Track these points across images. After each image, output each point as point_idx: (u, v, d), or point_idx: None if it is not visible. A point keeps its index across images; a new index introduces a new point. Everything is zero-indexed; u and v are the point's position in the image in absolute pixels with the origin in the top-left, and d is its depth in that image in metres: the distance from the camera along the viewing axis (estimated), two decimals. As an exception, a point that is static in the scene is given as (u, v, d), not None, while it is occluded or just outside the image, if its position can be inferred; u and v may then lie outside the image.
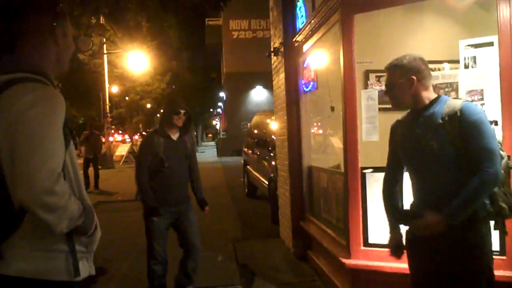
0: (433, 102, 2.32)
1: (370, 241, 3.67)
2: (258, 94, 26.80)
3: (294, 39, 5.44)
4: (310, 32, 4.82)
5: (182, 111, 3.98)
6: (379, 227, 3.64)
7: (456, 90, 3.41)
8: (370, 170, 3.68)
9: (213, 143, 57.91)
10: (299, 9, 5.39)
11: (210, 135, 77.82)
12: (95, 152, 12.99)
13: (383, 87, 3.81)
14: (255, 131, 10.72)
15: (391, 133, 2.60)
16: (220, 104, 45.34)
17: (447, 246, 2.21)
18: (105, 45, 20.87)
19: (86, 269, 1.81)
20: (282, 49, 5.76)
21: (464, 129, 2.14)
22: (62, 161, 1.61)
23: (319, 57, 5.01)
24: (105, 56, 20.98)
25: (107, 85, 20.96)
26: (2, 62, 1.71)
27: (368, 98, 3.66)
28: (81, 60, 24.12)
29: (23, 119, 1.53)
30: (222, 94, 31.46)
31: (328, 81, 4.79)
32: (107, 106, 21.06)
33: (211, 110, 53.24)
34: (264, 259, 5.59)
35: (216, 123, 64.17)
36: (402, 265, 3.41)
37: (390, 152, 2.61)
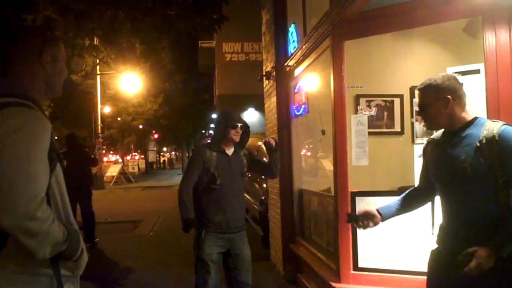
0: (470, 123, 2.27)
1: (360, 265, 3.67)
2: (250, 116, 26.85)
3: (285, 64, 5.52)
4: (301, 57, 4.90)
5: (239, 125, 3.58)
6: (369, 252, 3.66)
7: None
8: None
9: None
10: (291, 34, 5.48)
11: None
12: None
13: (373, 112, 3.92)
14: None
15: (423, 153, 2.56)
16: (212, 125, 45.41)
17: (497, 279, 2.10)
18: (98, 66, 20.94)
19: None
20: (274, 73, 5.84)
21: (503, 154, 2.09)
22: (45, 186, 1.60)
23: (310, 81, 5.08)
24: (98, 77, 21.03)
25: (99, 106, 20.93)
26: None
27: (358, 123, 3.72)
28: (74, 81, 24.17)
29: (7, 142, 1.53)
30: (214, 116, 31.54)
31: (319, 105, 4.85)
32: (99, 127, 20.99)
33: (203, 131, 53.24)
34: (254, 282, 5.53)
35: (208, 144, 63.98)
36: (391, 290, 3.46)
37: (422, 170, 2.59)
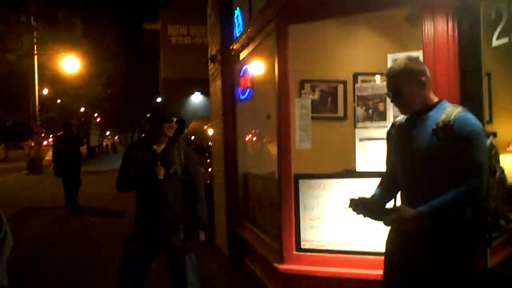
0: (434, 105, 2.32)
1: (303, 246, 3.76)
2: (196, 100, 26.60)
3: (231, 47, 5.48)
4: (246, 41, 4.89)
5: (175, 119, 3.45)
6: (311, 233, 3.75)
7: (384, 101, 3.60)
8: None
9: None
10: (236, 18, 5.45)
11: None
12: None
13: (316, 96, 3.99)
14: (192, 138, 10.65)
15: (386, 136, 2.59)
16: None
17: (420, 247, 2.23)
18: (35, 46, 19.93)
19: None
20: (218, 57, 5.79)
21: (456, 139, 2.14)
22: None
23: (255, 66, 5.09)
24: (36, 57, 20.01)
25: (36, 87, 19.97)
26: None
27: (302, 107, 3.77)
28: (9, 61, 22.90)
29: None
30: (159, 99, 30.93)
31: (264, 90, 4.88)
32: (37, 109, 20.06)
33: (148, 115, 52.22)
34: (199, 268, 5.53)
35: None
36: (334, 269, 3.58)
37: (387, 155, 2.61)
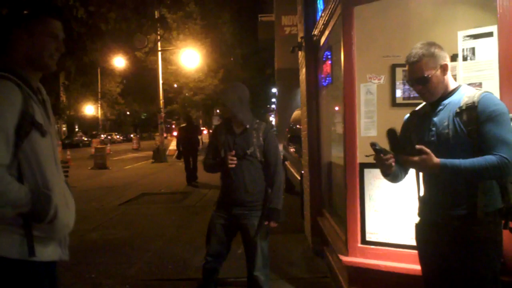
0: (454, 91, 2.28)
1: (368, 238, 3.59)
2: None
3: (312, 33, 5.38)
4: (322, 26, 4.76)
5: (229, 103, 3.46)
6: (378, 225, 3.56)
7: (455, 83, 3.26)
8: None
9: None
10: (318, 3, 5.32)
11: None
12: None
13: (382, 81, 3.74)
14: (294, 127, 10.69)
15: (405, 125, 2.52)
16: (274, 100, 45.41)
17: (452, 238, 2.19)
18: (159, 43, 21.50)
19: (54, 253, 1.94)
20: (303, 44, 5.72)
21: (481, 120, 2.08)
22: (3, 152, 1.73)
23: (332, 51, 4.93)
24: (159, 53, 21.59)
25: (160, 81, 21.55)
26: None
27: (367, 92, 3.58)
28: (138, 58, 25.07)
29: None
30: (274, 90, 31.46)
31: (340, 75, 4.71)
32: (161, 102, 21.67)
33: (268, 106, 53.44)
34: (283, 254, 5.60)
35: (272, 119, 64.41)
36: (397, 264, 3.38)
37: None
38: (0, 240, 1.79)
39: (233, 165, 3.40)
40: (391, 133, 2.32)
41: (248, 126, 3.46)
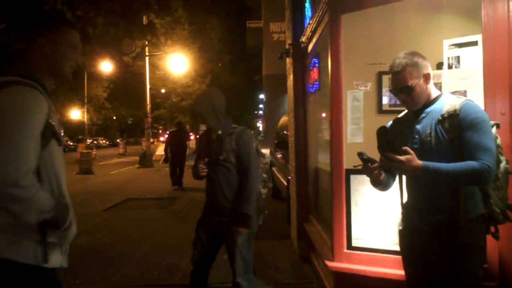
0: (436, 99, 2.32)
1: (354, 244, 3.61)
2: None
3: (300, 40, 5.42)
4: (310, 33, 4.80)
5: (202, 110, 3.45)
6: (364, 231, 3.58)
7: (440, 90, 3.30)
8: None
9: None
10: (307, 10, 5.36)
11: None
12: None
13: (368, 88, 3.77)
14: (281, 133, 10.72)
15: (388, 131, 2.44)
16: (261, 106, 45.50)
17: (435, 243, 2.21)
18: (147, 48, 21.43)
19: (58, 259, 1.95)
20: (291, 50, 5.76)
21: (463, 127, 2.12)
22: (33, 158, 1.75)
23: (319, 58, 4.97)
24: (147, 58, 21.53)
25: (147, 86, 21.47)
26: (11, 66, 1.93)
27: (354, 99, 3.61)
28: (125, 62, 24.95)
29: (1, 117, 1.71)
30: (262, 96, 31.54)
31: (328, 82, 4.74)
32: (148, 107, 21.58)
33: (256, 112, 53.52)
34: (269, 260, 5.60)
35: (260, 125, 64.48)
36: (383, 270, 3.40)
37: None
38: (18, 246, 1.79)
39: (204, 173, 3.41)
40: (381, 131, 2.33)
41: (220, 132, 3.43)
